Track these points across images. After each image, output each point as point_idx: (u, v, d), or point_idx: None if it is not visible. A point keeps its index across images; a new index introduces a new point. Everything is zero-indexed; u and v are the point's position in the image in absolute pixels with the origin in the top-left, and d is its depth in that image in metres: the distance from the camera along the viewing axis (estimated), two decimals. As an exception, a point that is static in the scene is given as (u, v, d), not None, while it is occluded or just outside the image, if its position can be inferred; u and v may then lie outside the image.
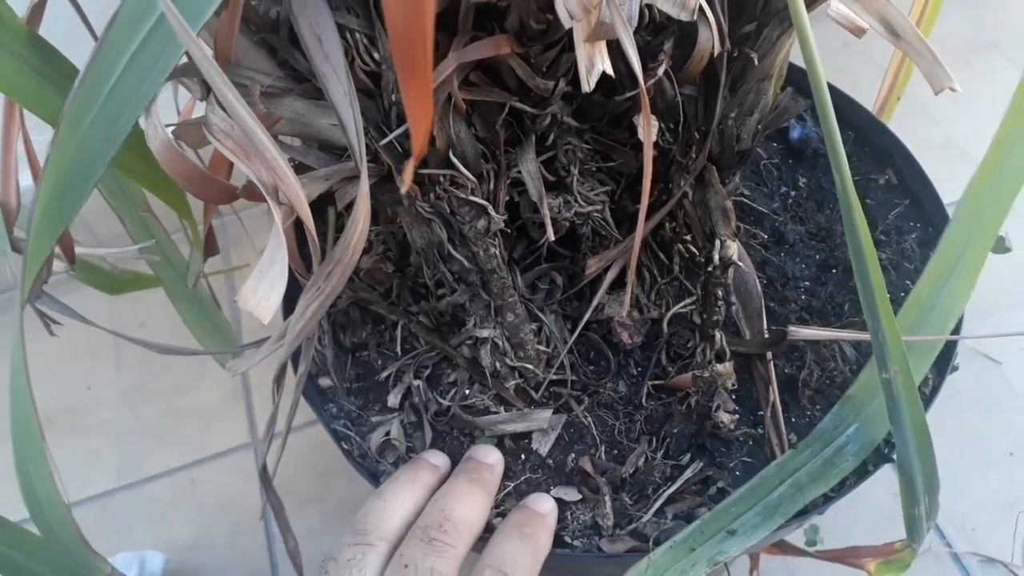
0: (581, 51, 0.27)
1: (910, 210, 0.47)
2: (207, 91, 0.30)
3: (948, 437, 0.68)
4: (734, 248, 0.42)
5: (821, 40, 0.26)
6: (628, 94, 0.36)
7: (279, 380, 0.39)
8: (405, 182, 0.28)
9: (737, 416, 0.40)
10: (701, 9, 0.30)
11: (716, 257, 0.42)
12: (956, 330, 0.38)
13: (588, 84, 0.28)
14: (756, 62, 0.38)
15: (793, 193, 0.49)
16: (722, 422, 0.39)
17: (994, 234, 0.37)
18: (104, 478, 0.74)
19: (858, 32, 0.36)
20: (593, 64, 0.28)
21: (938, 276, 0.36)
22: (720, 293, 0.41)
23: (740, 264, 0.43)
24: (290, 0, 0.28)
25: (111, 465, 0.75)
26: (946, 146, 0.82)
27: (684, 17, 0.31)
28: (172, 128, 0.36)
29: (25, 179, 0.40)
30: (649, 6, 0.32)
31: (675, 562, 0.36)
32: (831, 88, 0.50)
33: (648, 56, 0.35)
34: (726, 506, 0.37)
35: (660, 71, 0.35)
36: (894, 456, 0.38)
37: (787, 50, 0.40)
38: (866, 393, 0.37)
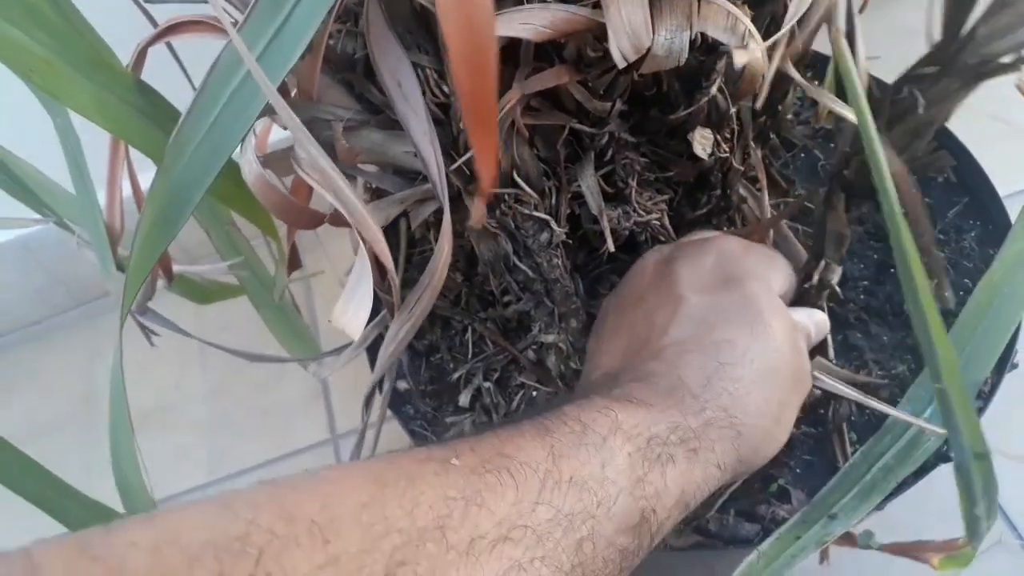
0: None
1: (969, 208, 0.47)
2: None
3: (1016, 425, 0.67)
4: (838, 273, 0.43)
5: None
6: (683, 112, 0.38)
7: (369, 401, 0.42)
8: (476, 219, 0.31)
9: (800, 427, 0.42)
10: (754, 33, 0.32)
11: (816, 278, 0.43)
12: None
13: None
14: (920, 108, 0.39)
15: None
16: None
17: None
18: (195, 472, 0.80)
19: None
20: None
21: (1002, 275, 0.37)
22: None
23: (838, 291, 0.44)
24: (372, 49, 0.30)
25: (201, 460, 0.81)
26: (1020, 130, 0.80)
27: (733, 43, 0.33)
28: (261, 158, 0.40)
29: (128, 206, 0.44)
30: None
31: (783, 550, 0.38)
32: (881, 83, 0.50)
33: (702, 75, 0.37)
34: (824, 494, 0.39)
35: (713, 89, 0.37)
36: (952, 455, 0.39)
37: (957, 104, 0.40)
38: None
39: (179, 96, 0.36)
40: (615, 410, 0.30)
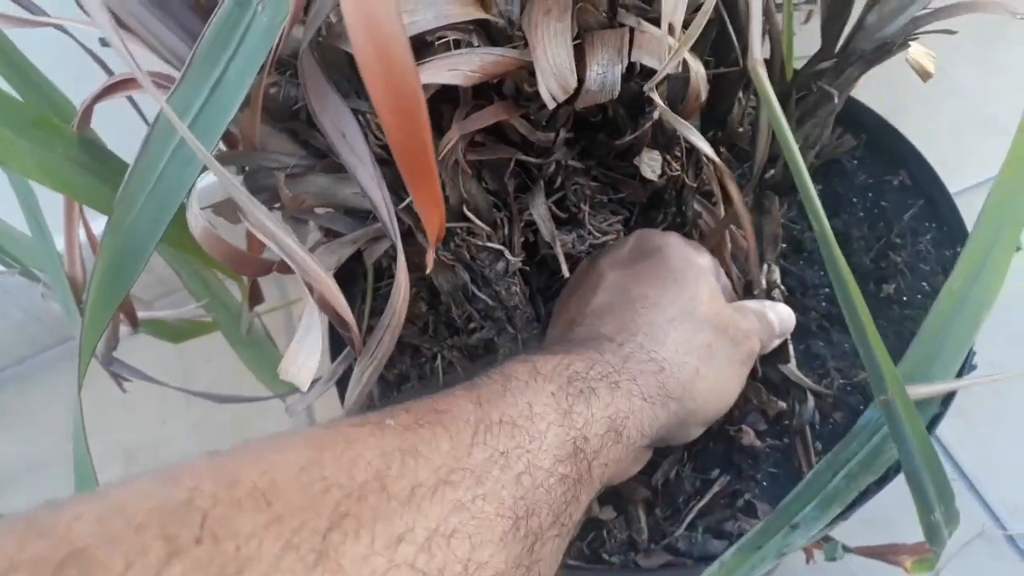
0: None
1: (924, 211, 0.47)
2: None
3: (995, 420, 0.68)
4: (777, 272, 0.44)
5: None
6: (629, 136, 0.38)
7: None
8: (429, 265, 0.31)
9: (766, 440, 0.42)
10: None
11: (763, 281, 0.43)
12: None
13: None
14: (836, 98, 0.40)
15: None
16: (752, 444, 0.41)
17: (1018, 234, 0.38)
18: (184, 507, 0.80)
19: (924, 75, 0.39)
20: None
21: (966, 278, 0.37)
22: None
23: (782, 288, 0.45)
24: (311, 101, 0.31)
25: (190, 494, 0.81)
26: (984, 124, 0.81)
27: (668, 70, 0.33)
28: (212, 207, 0.40)
29: (89, 256, 0.44)
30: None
31: (744, 561, 0.38)
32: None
33: (644, 100, 0.37)
34: (786, 504, 0.39)
35: (656, 113, 0.37)
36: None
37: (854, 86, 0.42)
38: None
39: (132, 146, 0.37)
40: (532, 359, 0.32)
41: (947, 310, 0.37)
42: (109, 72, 0.40)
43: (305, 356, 0.31)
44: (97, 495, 0.21)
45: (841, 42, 0.40)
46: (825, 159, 0.47)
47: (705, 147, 0.33)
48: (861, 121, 0.51)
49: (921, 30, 0.38)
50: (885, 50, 0.38)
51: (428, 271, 0.32)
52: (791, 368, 0.42)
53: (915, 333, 0.38)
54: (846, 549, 0.42)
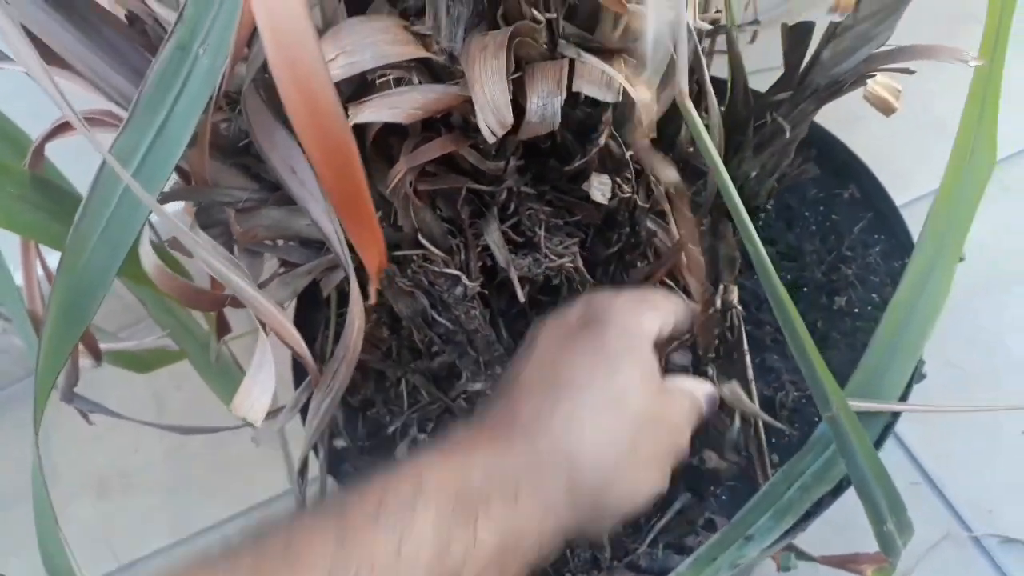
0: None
1: (873, 223, 0.48)
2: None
3: (958, 423, 0.69)
4: (735, 290, 0.45)
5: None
6: (578, 162, 0.39)
7: (303, 472, 0.42)
8: (371, 298, 0.32)
9: (726, 461, 0.43)
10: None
11: (719, 301, 0.44)
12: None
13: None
14: (788, 132, 0.40)
15: (762, 215, 0.51)
16: (716, 467, 0.42)
17: (959, 249, 0.39)
18: (158, 536, 0.79)
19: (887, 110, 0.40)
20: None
21: (912, 290, 0.38)
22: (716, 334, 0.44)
23: (738, 308, 0.46)
24: (258, 139, 0.31)
25: (164, 523, 0.80)
26: (931, 125, 0.83)
27: (610, 99, 0.34)
28: (168, 240, 0.40)
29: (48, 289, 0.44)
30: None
31: (699, 572, 0.39)
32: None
33: (590, 127, 0.38)
34: (742, 516, 0.40)
35: (603, 139, 0.38)
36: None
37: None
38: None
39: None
40: (422, 470, 0.29)
41: (895, 322, 0.38)
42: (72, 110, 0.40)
43: (259, 391, 0.31)
44: None
45: (799, 75, 0.41)
46: (786, 185, 0.48)
47: (674, 177, 0.33)
48: (810, 136, 0.52)
49: (876, 68, 0.38)
50: (838, 87, 0.39)
51: (370, 302, 0.32)
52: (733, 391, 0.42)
53: (867, 344, 0.39)
54: (801, 557, 0.43)
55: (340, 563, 0.25)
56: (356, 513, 0.27)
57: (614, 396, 0.34)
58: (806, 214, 0.50)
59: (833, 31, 0.37)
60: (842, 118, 0.56)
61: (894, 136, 0.79)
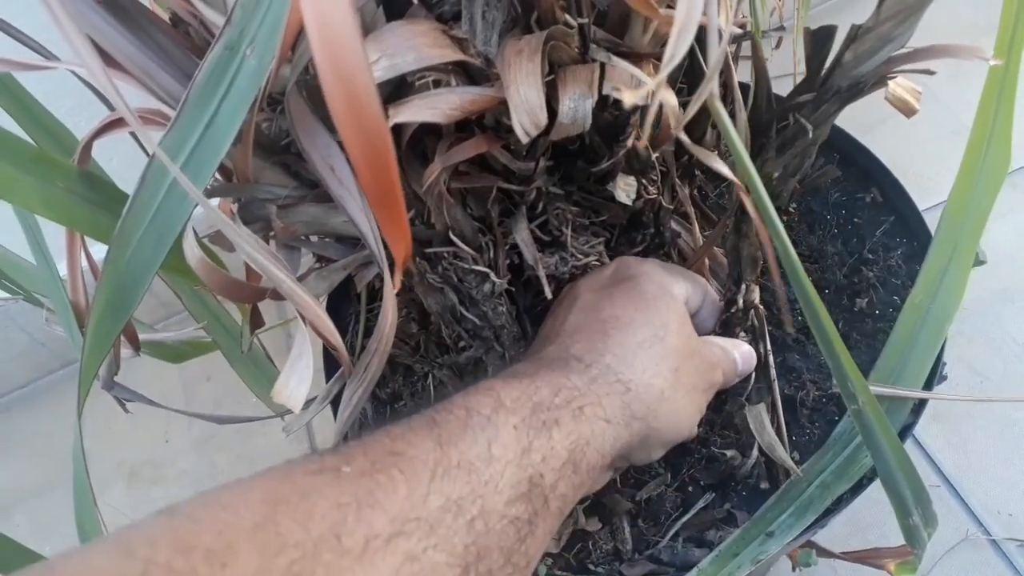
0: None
1: (895, 227, 0.49)
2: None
3: (977, 426, 0.69)
4: (756, 289, 0.46)
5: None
6: (605, 163, 0.40)
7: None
8: (396, 286, 0.33)
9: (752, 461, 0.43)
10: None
11: (741, 301, 0.45)
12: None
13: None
14: (811, 133, 0.41)
15: (784, 218, 0.52)
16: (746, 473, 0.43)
17: (973, 249, 0.40)
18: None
19: (909, 112, 0.40)
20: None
21: (927, 292, 0.39)
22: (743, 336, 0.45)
23: (761, 307, 0.47)
24: (299, 138, 0.32)
25: (192, 511, 0.82)
26: (958, 132, 0.83)
27: (639, 102, 0.35)
28: (209, 235, 0.41)
29: (91, 281, 0.45)
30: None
31: (722, 568, 0.40)
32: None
33: (618, 129, 0.39)
34: (763, 512, 0.41)
35: (630, 141, 0.39)
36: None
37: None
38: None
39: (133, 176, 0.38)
40: (497, 388, 0.32)
41: (911, 323, 0.39)
42: (111, 108, 0.42)
43: (297, 380, 0.32)
44: (51, 567, 0.21)
45: (821, 77, 0.42)
46: (808, 186, 0.49)
47: (726, 172, 0.34)
48: (833, 141, 0.53)
49: (897, 69, 0.39)
50: (859, 88, 0.40)
51: (395, 291, 0.33)
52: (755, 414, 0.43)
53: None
54: (821, 554, 0.44)
55: (442, 460, 0.28)
56: (447, 422, 0.30)
57: (656, 331, 0.37)
58: (828, 217, 0.51)
59: (855, 34, 0.38)
60: (866, 124, 0.57)
61: (920, 142, 0.80)
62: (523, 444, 0.30)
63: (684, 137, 0.33)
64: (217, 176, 0.41)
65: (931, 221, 0.50)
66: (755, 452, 0.43)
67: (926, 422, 0.70)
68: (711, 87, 0.29)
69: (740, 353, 0.42)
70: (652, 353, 0.36)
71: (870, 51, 0.38)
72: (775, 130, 0.44)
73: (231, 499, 0.24)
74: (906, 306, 0.39)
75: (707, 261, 0.48)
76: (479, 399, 0.32)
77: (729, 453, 0.43)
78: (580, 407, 0.33)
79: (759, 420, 0.41)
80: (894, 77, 0.40)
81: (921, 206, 0.49)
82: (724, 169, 0.33)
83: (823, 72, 0.41)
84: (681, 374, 0.37)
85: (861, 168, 0.52)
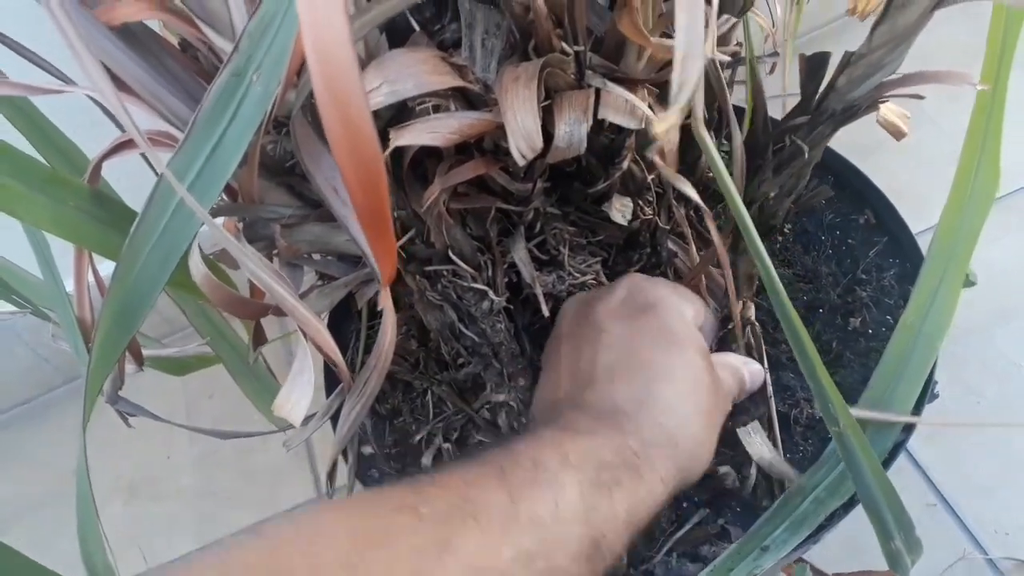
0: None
1: (888, 247, 0.50)
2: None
3: (974, 445, 0.69)
4: (752, 309, 0.47)
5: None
6: (602, 185, 0.41)
7: (331, 475, 0.44)
8: (382, 302, 0.34)
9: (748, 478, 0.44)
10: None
11: (738, 316, 0.46)
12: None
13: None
14: (807, 153, 0.43)
15: (780, 239, 0.52)
16: (735, 486, 0.43)
17: (964, 270, 0.41)
18: (184, 541, 0.81)
19: (897, 134, 0.41)
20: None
21: (919, 313, 0.40)
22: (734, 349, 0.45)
23: (756, 324, 0.47)
24: (303, 160, 0.33)
25: (189, 529, 0.83)
26: (955, 155, 0.84)
27: (633, 126, 0.36)
28: (215, 253, 0.42)
29: (97, 297, 0.46)
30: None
31: None
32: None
33: (613, 152, 0.40)
34: (757, 527, 0.42)
35: (625, 164, 0.40)
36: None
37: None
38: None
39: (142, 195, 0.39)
40: (563, 443, 0.33)
41: (903, 343, 0.40)
42: (121, 129, 0.43)
43: (298, 395, 0.33)
44: None
45: (815, 100, 0.43)
46: (803, 206, 0.50)
47: (693, 195, 0.35)
48: (828, 163, 0.54)
49: (888, 94, 0.40)
50: (852, 112, 0.41)
51: (384, 307, 0.34)
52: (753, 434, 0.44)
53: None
54: (815, 572, 0.44)
55: (512, 515, 0.29)
56: (515, 474, 0.31)
57: (692, 376, 0.38)
58: (823, 238, 0.52)
59: (848, 60, 0.39)
60: (865, 146, 0.57)
61: (919, 165, 0.81)
62: (588, 503, 0.31)
63: (658, 160, 0.34)
64: (223, 196, 0.42)
65: (925, 243, 0.51)
66: (753, 471, 0.43)
67: (922, 441, 0.70)
68: (696, 113, 0.30)
69: (750, 371, 0.43)
70: (692, 403, 0.37)
71: (862, 76, 0.39)
72: (771, 151, 0.45)
73: (315, 529, 0.25)
74: (898, 327, 0.40)
75: (703, 279, 0.49)
76: (546, 453, 0.32)
77: (722, 470, 0.43)
78: (637, 468, 0.34)
79: (755, 441, 0.42)
80: (885, 101, 0.41)
81: (918, 228, 0.50)
82: (692, 192, 0.34)
83: (818, 96, 0.43)
84: (711, 414, 0.38)
85: (855, 190, 0.53)
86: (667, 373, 0.38)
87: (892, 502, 0.36)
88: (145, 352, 0.51)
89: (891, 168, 0.57)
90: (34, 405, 0.95)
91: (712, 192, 0.52)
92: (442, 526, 0.27)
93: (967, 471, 0.68)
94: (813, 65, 0.42)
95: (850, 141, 0.58)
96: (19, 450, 0.93)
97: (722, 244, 0.41)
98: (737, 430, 0.43)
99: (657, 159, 0.34)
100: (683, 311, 0.41)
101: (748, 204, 0.47)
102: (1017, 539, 0.65)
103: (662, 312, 0.40)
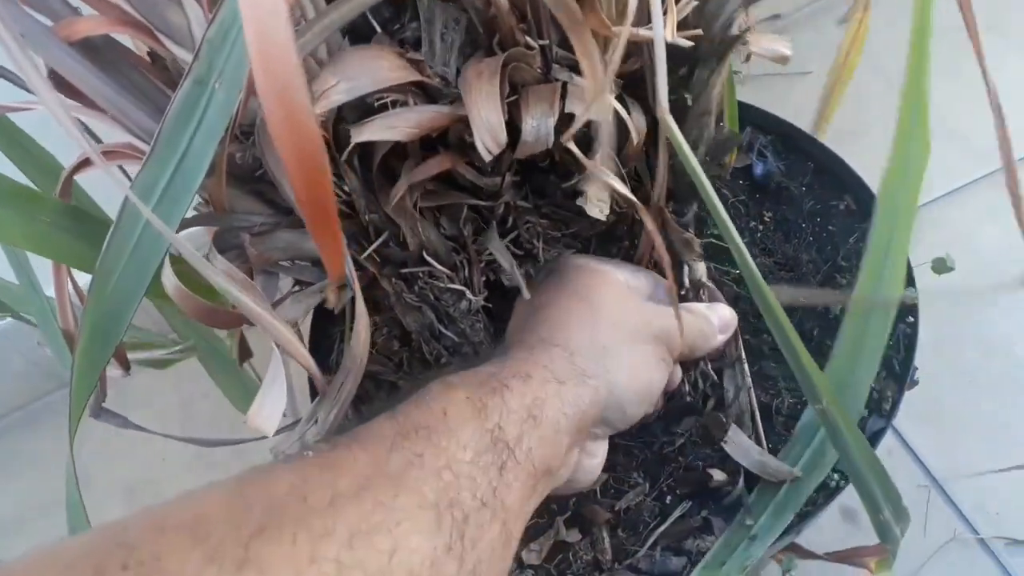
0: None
1: (868, 234, 0.49)
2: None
3: (965, 427, 0.70)
4: (701, 268, 0.47)
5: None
6: (576, 179, 0.41)
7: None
8: (331, 302, 0.34)
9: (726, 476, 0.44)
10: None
11: (687, 281, 0.46)
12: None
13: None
14: (690, 102, 0.42)
15: (760, 227, 0.52)
16: (719, 485, 0.44)
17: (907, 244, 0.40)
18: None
19: (781, 60, 0.40)
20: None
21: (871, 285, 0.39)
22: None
23: (710, 285, 0.47)
24: (271, 168, 0.33)
25: (190, 529, 0.83)
26: (951, 136, 0.83)
27: (601, 117, 0.36)
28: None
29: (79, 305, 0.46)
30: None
31: None
32: (785, 124, 0.54)
33: (585, 145, 0.40)
34: (742, 517, 0.42)
35: (596, 157, 0.40)
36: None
37: (719, 86, 0.44)
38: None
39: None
40: (444, 377, 0.34)
41: (858, 319, 0.39)
42: (99, 141, 0.43)
43: (271, 405, 0.33)
44: (32, 550, 0.22)
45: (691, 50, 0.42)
46: (715, 155, 0.49)
47: (621, 188, 0.35)
48: (806, 149, 0.54)
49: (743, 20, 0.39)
50: (723, 49, 0.40)
51: (332, 308, 0.34)
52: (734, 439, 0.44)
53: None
54: (806, 556, 0.44)
55: (399, 431, 0.29)
56: (402, 407, 0.31)
57: (586, 303, 0.40)
58: (803, 225, 0.52)
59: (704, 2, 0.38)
60: (846, 132, 0.57)
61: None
62: (476, 407, 0.32)
63: (573, 147, 0.34)
64: (199, 199, 0.41)
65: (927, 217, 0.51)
66: (741, 480, 0.44)
67: (914, 423, 0.70)
68: (660, 101, 0.30)
69: (718, 315, 0.44)
70: (585, 320, 0.39)
71: (716, 8, 0.38)
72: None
73: (202, 488, 0.25)
74: (850, 304, 0.39)
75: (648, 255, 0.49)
76: (429, 387, 0.33)
77: (716, 476, 0.43)
78: (527, 374, 0.35)
79: (740, 444, 0.42)
80: (747, 32, 0.40)
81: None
82: (624, 190, 0.35)
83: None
84: (626, 334, 0.39)
85: (835, 176, 0.52)
86: (556, 305, 0.40)
87: (878, 474, 0.36)
88: (131, 356, 0.52)
89: (874, 154, 0.57)
90: (30, 411, 0.95)
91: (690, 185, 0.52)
92: (325, 455, 0.27)
93: (958, 452, 0.68)
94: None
95: (832, 126, 0.58)
96: (15, 456, 0.93)
97: (647, 213, 0.40)
98: (725, 441, 0.43)
99: (574, 149, 0.34)
100: (597, 267, 0.42)
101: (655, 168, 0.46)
102: (1008, 519, 0.65)
103: (569, 272, 0.42)
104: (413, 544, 0.25)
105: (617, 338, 0.39)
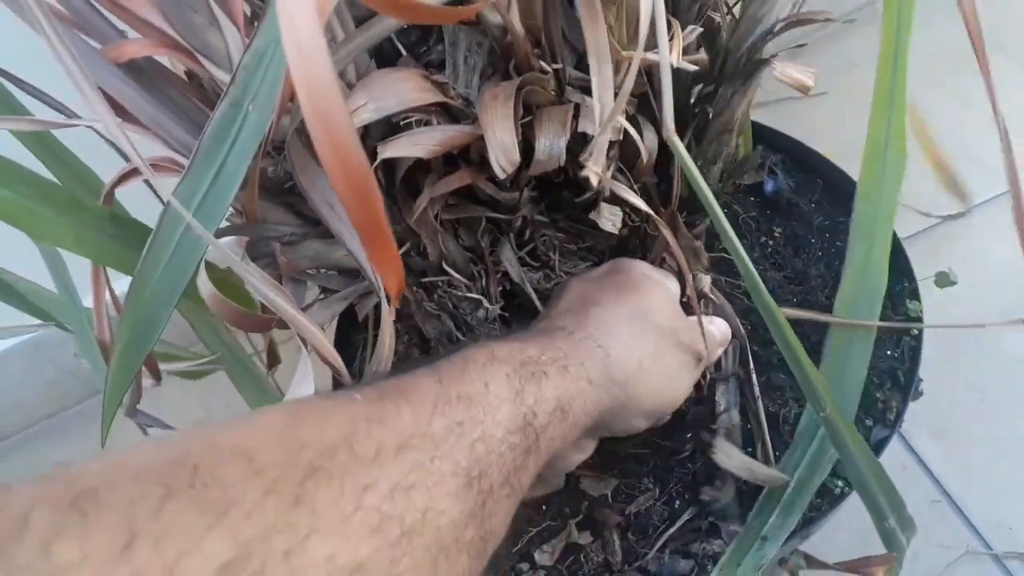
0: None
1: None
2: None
3: (979, 442, 0.70)
4: (707, 280, 0.48)
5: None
6: (588, 194, 0.43)
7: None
8: (391, 316, 0.36)
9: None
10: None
11: (693, 291, 0.48)
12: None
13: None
14: (711, 116, 0.44)
15: (771, 243, 0.54)
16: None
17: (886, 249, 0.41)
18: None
19: (803, 89, 0.42)
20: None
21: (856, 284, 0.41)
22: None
23: (713, 297, 0.49)
24: (299, 180, 0.36)
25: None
26: (961, 155, 0.84)
27: (612, 137, 0.38)
28: (227, 268, 0.44)
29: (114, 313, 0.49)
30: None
31: None
32: (795, 142, 0.55)
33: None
34: (750, 521, 0.43)
35: (608, 173, 0.41)
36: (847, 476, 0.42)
37: (744, 107, 0.46)
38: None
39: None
40: (490, 345, 0.35)
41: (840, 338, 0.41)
42: (126, 158, 0.45)
43: (299, 402, 0.35)
44: (98, 456, 0.24)
45: (716, 66, 0.44)
46: (735, 172, 0.50)
47: (638, 202, 0.37)
48: (815, 166, 0.55)
49: (770, 44, 0.41)
50: (750, 70, 0.42)
51: (393, 318, 0.36)
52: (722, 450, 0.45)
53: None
54: (816, 565, 0.46)
55: (444, 394, 0.30)
56: (447, 368, 0.33)
57: (638, 311, 0.41)
58: (812, 241, 0.53)
59: (734, 27, 0.40)
60: (852, 150, 0.58)
61: (910, 169, 0.82)
62: (515, 387, 0.33)
63: (592, 166, 0.36)
64: (231, 211, 0.44)
65: (912, 246, 0.52)
66: (732, 489, 0.45)
67: (926, 438, 0.71)
68: (666, 122, 0.32)
69: (717, 329, 0.46)
70: (632, 328, 0.40)
71: (745, 34, 0.40)
72: (691, 120, 0.46)
73: (256, 415, 0.27)
74: (836, 304, 0.41)
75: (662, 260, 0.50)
76: (474, 352, 0.34)
77: (706, 497, 0.45)
78: (565, 366, 0.36)
79: (727, 452, 0.44)
80: (775, 56, 0.42)
81: (906, 232, 0.51)
82: (639, 201, 0.36)
83: (718, 62, 0.44)
84: (661, 348, 0.40)
85: (844, 193, 0.54)
86: (611, 305, 0.41)
87: (882, 482, 0.37)
88: (163, 367, 0.54)
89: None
90: (61, 419, 0.98)
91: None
92: (373, 405, 0.29)
93: (971, 467, 0.69)
94: (708, 33, 0.43)
95: (840, 142, 0.59)
96: (45, 463, 0.96)
97: (664, 222, 0.42)
98: (712, 452, 0.44)
99: (591, 166, 0.35)
100: (653, 275, 0.44)
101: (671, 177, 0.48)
102: (1021, 533, 0.65)
103: (629, 271, 0.43)
104: (443, 505, 0.27)
105: (656, 356, 0.40)
